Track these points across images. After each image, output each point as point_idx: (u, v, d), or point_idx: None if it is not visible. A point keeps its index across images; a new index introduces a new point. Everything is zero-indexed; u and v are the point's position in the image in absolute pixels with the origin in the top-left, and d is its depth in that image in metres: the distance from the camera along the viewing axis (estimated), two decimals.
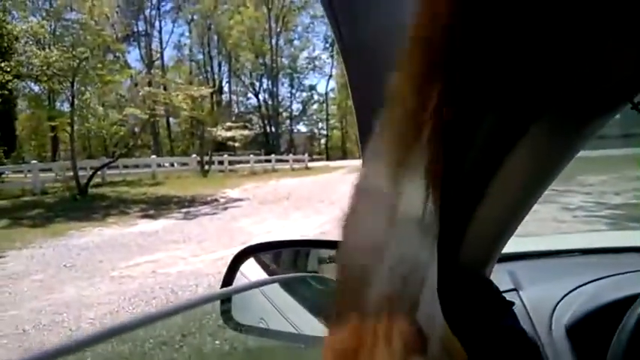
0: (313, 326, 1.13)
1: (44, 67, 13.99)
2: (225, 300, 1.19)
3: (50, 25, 17.11)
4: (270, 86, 38.79)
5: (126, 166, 18.85)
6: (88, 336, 0.61)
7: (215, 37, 36.98)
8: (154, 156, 22.06)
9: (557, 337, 0.87)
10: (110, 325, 0.65)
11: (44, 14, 18.44)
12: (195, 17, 36.36)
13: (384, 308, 0.28)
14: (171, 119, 29.27)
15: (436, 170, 0.31)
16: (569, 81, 0.43)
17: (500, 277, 0.84)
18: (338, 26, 0.50)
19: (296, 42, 40.06)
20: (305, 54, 40.07)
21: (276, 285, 1.30)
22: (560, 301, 0.93)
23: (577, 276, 1.00)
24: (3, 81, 14.41)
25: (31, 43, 15.10)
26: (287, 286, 1.29)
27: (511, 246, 0.79)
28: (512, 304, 0.73)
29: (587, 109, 0.47)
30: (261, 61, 38.27)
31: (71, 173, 14.14)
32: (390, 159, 0.31)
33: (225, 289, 1.10)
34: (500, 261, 0.83)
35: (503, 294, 0.73)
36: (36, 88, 18.49)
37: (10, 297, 5.12)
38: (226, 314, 1.18)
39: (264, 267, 1.29)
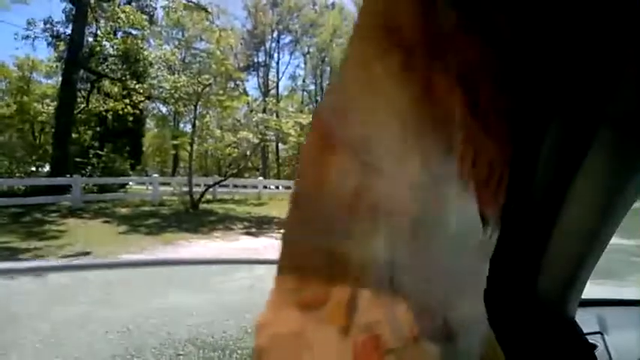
0: None
1: (172, 91, 15.27)
2: None
3: (181, 53, 18.81)
4: None
5: (235, 186, 19.77)
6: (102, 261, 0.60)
7: (327, 69, 38.19)
8: (261, 178, 22.99)
9: None
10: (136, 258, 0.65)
11: (177, 43, 20.41)
12: (311, 50, 37.98)
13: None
14: (280, 145, 30.44)
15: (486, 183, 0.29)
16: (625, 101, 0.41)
17: (587, 320, 0.82)
18: None
19: None
20: None
21: None
22: None
23: None
24: (136, 101, 16.04)
25: (162, 68, 16.66)
26: None
27: (605, 292, 0.75)
28: (595, 347, 0.71)
29: None
30: None
31: (187, 188, 14.99)
32: (420, 161, 0.30)
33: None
34: (590, 305, 0.82)
35: (588, 336, 0.70)
36: (163, 110, 20.31)
37: (121, 299, 5.52)
38: None
39: None
